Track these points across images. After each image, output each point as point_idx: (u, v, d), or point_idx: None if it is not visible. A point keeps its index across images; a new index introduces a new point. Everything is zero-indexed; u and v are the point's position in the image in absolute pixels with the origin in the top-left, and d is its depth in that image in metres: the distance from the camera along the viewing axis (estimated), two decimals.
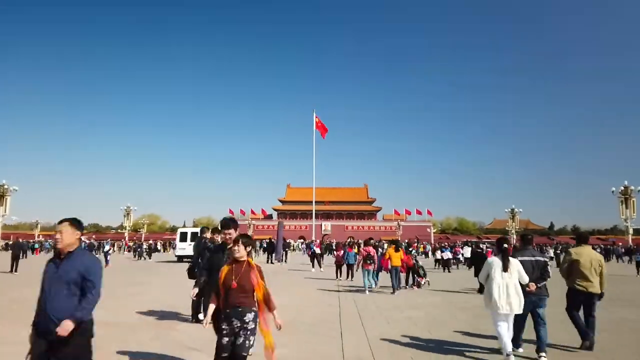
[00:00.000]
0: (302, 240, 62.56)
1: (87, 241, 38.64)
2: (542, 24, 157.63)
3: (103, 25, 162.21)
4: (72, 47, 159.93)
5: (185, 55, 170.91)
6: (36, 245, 45.26)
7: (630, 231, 36.45)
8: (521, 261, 5.58)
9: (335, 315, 8.54)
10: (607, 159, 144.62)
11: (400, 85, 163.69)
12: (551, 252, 34.94)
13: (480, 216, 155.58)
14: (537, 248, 39.43)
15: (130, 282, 15.10)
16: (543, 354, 5.40)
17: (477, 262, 13.81)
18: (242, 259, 3.81)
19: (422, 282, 13.33)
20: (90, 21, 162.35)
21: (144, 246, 35.84)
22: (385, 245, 15.85)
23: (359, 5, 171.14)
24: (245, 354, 3.62)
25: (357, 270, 14.40)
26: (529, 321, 5.71)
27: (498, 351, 5.60)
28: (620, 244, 59.86)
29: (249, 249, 3.88)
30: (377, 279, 13.58)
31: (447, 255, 20.08)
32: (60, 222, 3.28)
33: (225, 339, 3.64)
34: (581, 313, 6.16)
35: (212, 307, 3.87)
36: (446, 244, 28.11)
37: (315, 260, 21.33)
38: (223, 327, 3.68)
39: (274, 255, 26.94)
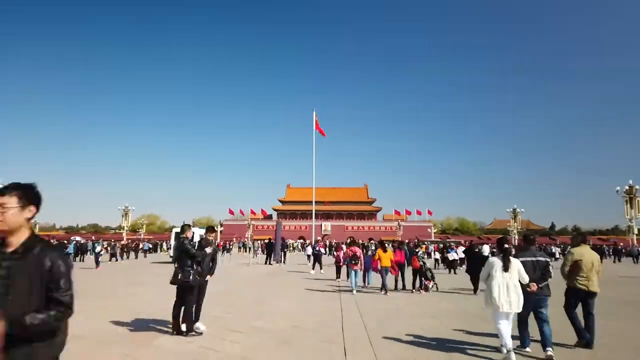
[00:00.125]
0: (302, 241, 62.00)
1: (82, 240, 37.63)
2: (542, 24, 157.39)
3: (103, 25, 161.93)
4: (72, 47, 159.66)
5: (185, 55, 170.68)
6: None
7: (635, 231, 35.85)
8: (522, 261, 5.66)
9: (337, 329, 7.40)
10: (607, 159, 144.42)
11: (400, 85, 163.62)
12: (557, 253, 34.46)
13: (480, 216, 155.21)
14: (540, 248, 39.04)
15: (110, 286, 13.73)
16: (549, 349, 5.45)
17: (470, 261, 13.61)
18: None
19: (430, 286, 12.61)
20: (90, 21, 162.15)
21: (72, 246, 29.20)
22: (373, 247, 15.37)
23: (359, 5, 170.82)
24: None
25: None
26: (533, 321, 5.75)
27: (499, 350, 5.67)
28: (622, 244, 59.45)
29: None
30: (370, 279, 13.81)
31: (453, 255, 19.34)
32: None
33: None
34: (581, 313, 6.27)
35: None
36: (452, 244, 27.35)
37: (317, 262, 20.46)
38: None
39: (272, 256, 26.22)
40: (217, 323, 7.46)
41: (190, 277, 6.44)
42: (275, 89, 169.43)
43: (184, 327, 6.48)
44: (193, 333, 6.47)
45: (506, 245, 5.63)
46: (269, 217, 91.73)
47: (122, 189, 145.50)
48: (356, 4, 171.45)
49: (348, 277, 15.39)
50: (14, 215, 2.14)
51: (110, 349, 5.79)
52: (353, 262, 12.50)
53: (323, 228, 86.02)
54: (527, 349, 5.78)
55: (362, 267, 13.00)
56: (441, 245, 31.00)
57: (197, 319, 6.82)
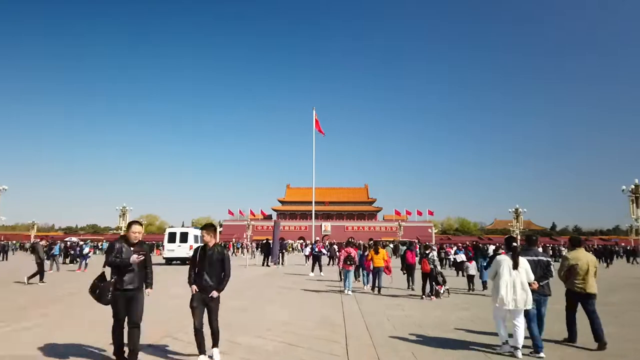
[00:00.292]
0: (301, 241, 61.22)
1: (76, 241, 35.87)
2: (542, 24, 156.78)
3: (103, 25, 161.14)
4: (72, 47, 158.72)
5: (185, 55, 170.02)
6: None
7: None
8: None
9: (340, 346, 6.22)
10: (608, 159, 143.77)
11: (400, 85, 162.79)
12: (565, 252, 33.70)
13: (481, 216, 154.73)
14: (541, 248, 38.33)
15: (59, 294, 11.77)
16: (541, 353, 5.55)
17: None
18: None
19: (441, 291, 11.49)
20: (90, 21, 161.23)
21: (57, 248, 21.18)
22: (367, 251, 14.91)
23: (359, 4, 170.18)
24: None
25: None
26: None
27: (500, 348, 5.74)
28: (623, 244, 58.78)
29: None
30: (368, 279, 13.80)
31: (461, 257, 18.15)
32: None
33: None
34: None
35: None
36: (460, 245, 26.13)
37: (317, 263, 19.58)
38: None
39: (270, 257, 25.20)
40: (185, 339, 5.98)
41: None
42: (275, 89, 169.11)
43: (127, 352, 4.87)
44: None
45: (514, 244, 5.78)
46: (269, 218, 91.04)
47: (121, 189, 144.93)
48: (356, 3, 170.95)
49: (342, 277, 15.10)
50: None
51: None
52: (347, 262, 12.63)
53: (323, 228, 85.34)
54: (541, 354, 5.48)
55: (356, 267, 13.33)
56: (443, 246, 30.22)
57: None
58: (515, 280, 5.45)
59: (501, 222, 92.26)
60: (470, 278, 13.82)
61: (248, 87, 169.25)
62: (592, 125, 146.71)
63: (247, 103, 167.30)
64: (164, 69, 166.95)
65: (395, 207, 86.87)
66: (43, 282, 14.36)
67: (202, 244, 5.21)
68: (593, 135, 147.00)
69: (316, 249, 20.65)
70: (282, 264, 25.58)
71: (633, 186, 35.02)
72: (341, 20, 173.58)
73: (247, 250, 34.94)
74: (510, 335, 5.62)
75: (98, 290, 4.75)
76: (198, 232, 26.57)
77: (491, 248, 22.64)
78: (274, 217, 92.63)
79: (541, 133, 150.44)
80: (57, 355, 5.32)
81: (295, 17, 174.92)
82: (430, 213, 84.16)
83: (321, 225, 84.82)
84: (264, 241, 26.86)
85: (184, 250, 23.94)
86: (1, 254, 32.16)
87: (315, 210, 40.34)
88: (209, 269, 4.99)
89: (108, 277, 4.84)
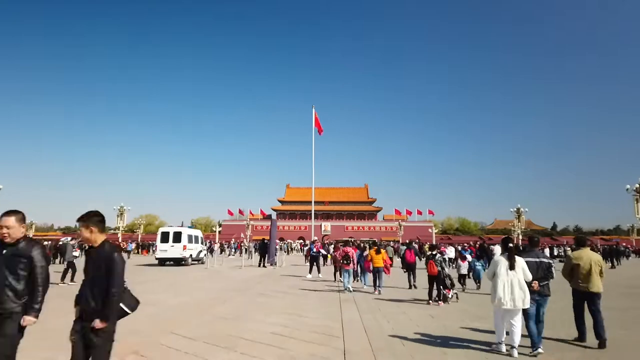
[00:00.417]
0: (301, 241, 60.74)
1: (68, 240, 34.23)
2: (542, 24, 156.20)
3: (103, 25, 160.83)
4: (72, 47, 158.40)
5: (185, 55, 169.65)
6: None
7: None
8: (526, 262, 5.85)
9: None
10: (608, 159, 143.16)
11: (400, 85, 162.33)
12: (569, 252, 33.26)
13: (481, 216, 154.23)
14: (547, 251, 37.84)
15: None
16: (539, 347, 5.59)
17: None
18: None
19: (450, 295, 10.57)
20: (90, 21, 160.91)
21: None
22: (366, 251, 14.59)
23: (359, 4, 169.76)
24: None
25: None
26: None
27: (497, 346, 5.76)
28: (624, 244, 58.28)
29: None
30: (366, 279, 13.85)
31: (468, 258, 17.54)
32: None
33: None
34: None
35: None
36: (466, 245, 25.24)
37: (315, 264, 18.75)
38: None
39: (266, 257, 24.54)
40: (157, 358, 5.27)
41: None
42: (275, 89, 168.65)
43: None
44: None
45: (511, 245, 5.89)
46: (269, 218, 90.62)
47: (121, 189, 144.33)
48: (356, 3, 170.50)
49: (340, 276, 14.80)
50: None
51: None
52: (345, 262, 12.73)
53: (323, 228, 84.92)
54: (539, 349, 5.53)
55: (355, 267, 13.54)
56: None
57: None
58: (512, 280, 5.51)
59: (501, 222, 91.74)
60: (462, 277, 13.82)
61: (248, 87, 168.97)
62: (592, 125, 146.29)
63: (247, 103, 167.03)
64: (164, 69, 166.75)
65: (396, 206, 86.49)
66: (73, 282, 14.26)
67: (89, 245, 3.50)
68: (593, 135, 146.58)
69: (314, 249, 19.73)
70: (279, 264, 25.07)
71: (637, 185, 34.54)
72: (341, 20, 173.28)
73: (245, 251, 34.39)
74: (508, 334, 5.64)
75: None
76: (193, 232, 26.05)
77: (497, 249, 21.88)
78: (274, 217, 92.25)
79: (541, 133, 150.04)
80: None
81: (295, 17, 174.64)
82: (431, 213, 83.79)
83: (321, 225, 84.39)
84: (261, 241, 26.09)
85: (177, 250, 23.40)
86: (58, 257, 27.69)
87: (315, 210, 39.88)
88: (90, 282, 3.28)
89: None
